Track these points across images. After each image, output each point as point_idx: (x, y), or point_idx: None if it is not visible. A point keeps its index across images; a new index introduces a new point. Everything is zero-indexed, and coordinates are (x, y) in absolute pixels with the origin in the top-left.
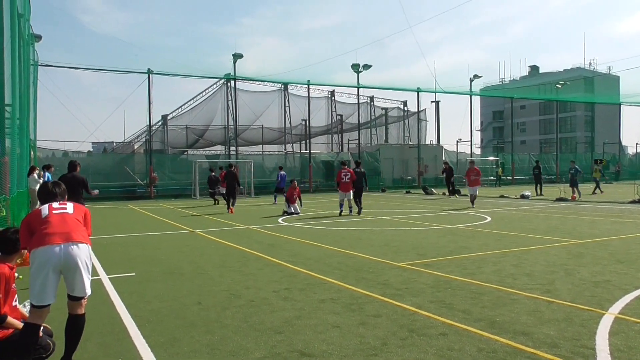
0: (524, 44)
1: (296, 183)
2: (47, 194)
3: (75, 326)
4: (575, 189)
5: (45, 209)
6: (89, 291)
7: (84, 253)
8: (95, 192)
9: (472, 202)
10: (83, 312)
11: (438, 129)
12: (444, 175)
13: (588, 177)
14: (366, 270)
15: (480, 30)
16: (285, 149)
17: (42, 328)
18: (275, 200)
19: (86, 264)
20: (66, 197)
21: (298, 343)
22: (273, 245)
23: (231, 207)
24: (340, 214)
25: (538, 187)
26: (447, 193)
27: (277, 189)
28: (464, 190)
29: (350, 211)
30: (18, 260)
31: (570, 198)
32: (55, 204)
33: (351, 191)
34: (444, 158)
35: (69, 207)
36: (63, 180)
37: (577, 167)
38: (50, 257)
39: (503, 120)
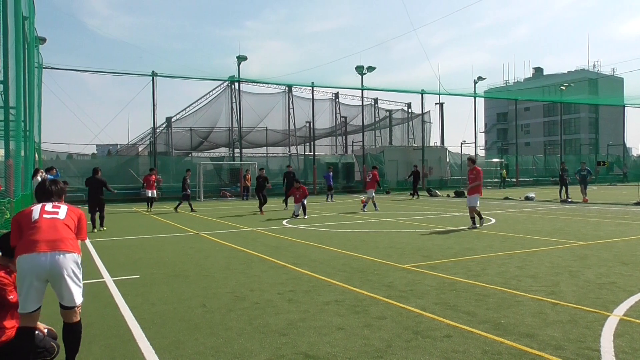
0: (528, 46)
1: (298, 184)
2: (43, 193)
3: (70, 334)
4: (584, 190)
5: (36, 211)
6: (78, 301)
7: (71, 262)
8: (115, 191)
9: (472, 220)
10: (77, 319)
11: (442, 131)
12: (411, 178)
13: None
14: (371, 272)
15: (484, 32)
16: (289, 151)
17: (46, 330)
18: (328, 199)
19: (73, 272)
20: (63, 196)
21: (302, 345)
22: (278, 248)
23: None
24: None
25: (564, 190)
26: (416, 194)
27: (328, 187)
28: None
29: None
30: None
31: (582, 200)
32: (48, 207)
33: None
34: (440, 160)
35: (62, 211)
36: (89, 182)
37: (587, 168)
38: (34, 266)
39: (507, 122)
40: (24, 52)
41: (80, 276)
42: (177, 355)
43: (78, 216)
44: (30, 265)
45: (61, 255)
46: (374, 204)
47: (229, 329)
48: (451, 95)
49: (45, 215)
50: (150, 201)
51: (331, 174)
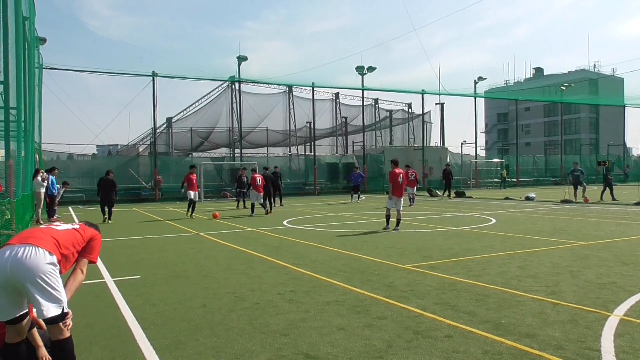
0: (528, 46)
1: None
2: None
3: (54, 353)
4: (584, 191)
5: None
6: (49, 313)
7: (40, 260)
8: (116, 197)
9: (397, 222)
10: (64, 336)
11: (443, 131)
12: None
13: (592, 179)
14: (371, 273)
15: (484, 32)
16: (290, 151)
17: (45, 332)
18: (353, 199)
19: (41, 274)
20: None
21: (303, 345)
22: (278, 248)
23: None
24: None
25: (608, 192)
26: (452, 195)
27: (353, 188)
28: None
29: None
30: None
31: (584, 201)
32: (57, 222)
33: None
34: (448, 160)
35: (65, 225)
36: (101, 182)
37: (580, 169)
38: None
39: (507, 122)
40: (24, 52)
41: (55, 285)
42: (178, 356)
43: (90, 235)
44: None
45: (27, 248)
46: (412, 200)
47: (230, 329)
48: (451, 96)
49: (42, 226)
50: (192, 205)
51: (357, 173)
